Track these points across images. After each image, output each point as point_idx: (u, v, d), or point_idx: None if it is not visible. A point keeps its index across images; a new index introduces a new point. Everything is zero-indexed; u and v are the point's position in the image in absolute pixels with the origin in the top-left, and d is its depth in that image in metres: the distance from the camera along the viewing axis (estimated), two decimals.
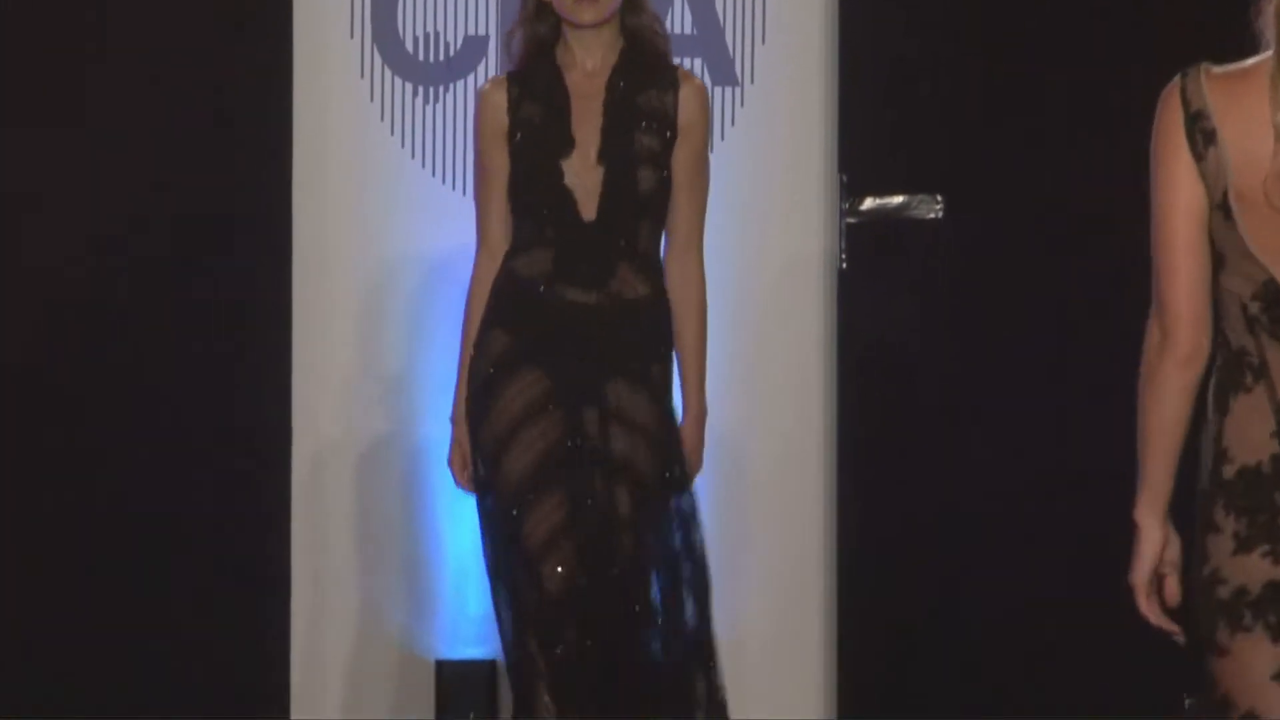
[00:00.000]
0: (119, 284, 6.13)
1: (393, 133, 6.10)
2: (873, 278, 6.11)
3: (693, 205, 4.16)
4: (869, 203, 6.08)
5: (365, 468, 6.45)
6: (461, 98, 5.81)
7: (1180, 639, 2.66)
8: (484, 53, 5.89)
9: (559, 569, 4.01)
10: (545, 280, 4.05)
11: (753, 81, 6.07)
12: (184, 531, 6.27)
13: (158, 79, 6.05)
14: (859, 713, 6.22)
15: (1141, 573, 2.64)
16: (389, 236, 6.18)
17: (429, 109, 6.03)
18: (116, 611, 6.20)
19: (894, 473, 6.19)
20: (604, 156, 4.01)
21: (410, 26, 6.09)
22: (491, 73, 5.53)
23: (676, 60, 4.44)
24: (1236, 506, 2.55)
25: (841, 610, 6.22)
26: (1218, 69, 2.65)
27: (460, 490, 4.32)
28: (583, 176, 4.02)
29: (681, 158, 4.09)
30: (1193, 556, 2.63)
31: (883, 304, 6.13)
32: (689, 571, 4.16)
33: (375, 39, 6.11)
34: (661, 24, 4.33)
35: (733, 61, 5.98)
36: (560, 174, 4.01)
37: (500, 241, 4.16)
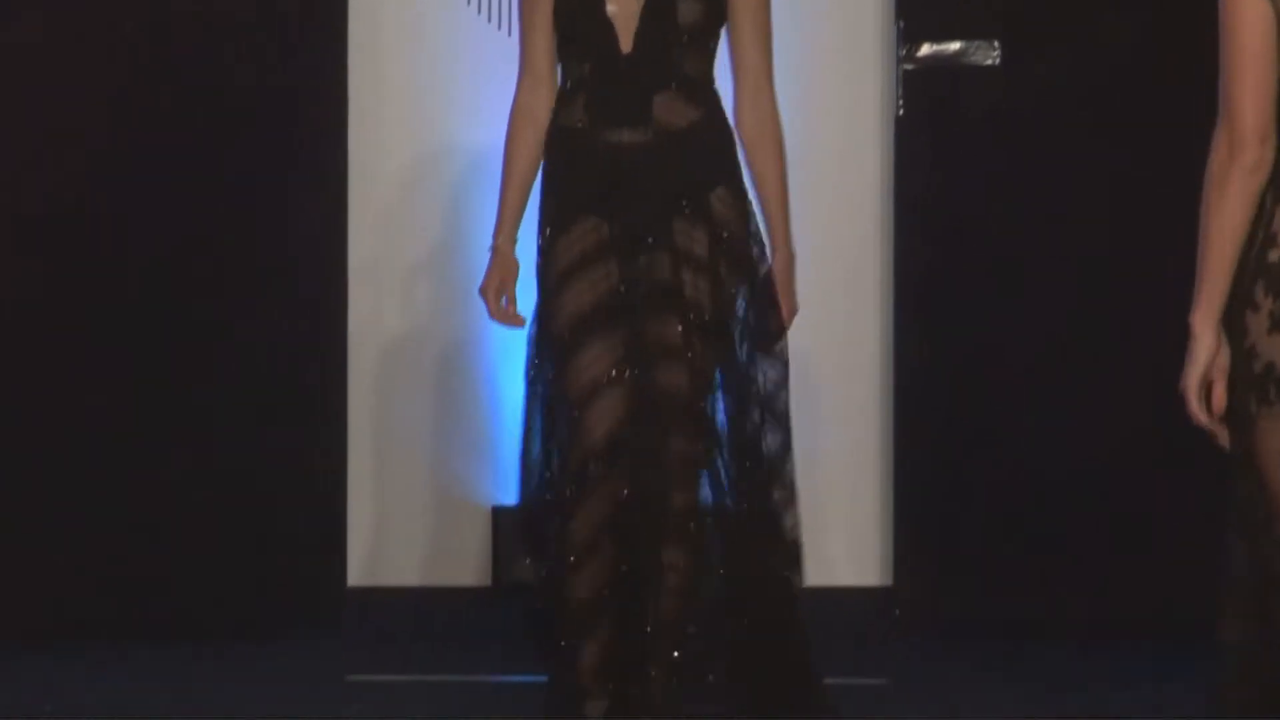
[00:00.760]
0: (175, 152, 6.18)
1: None
2: (929, 124, 6.11)
3: (757, 43, 3.97)
4: (926, 49, 6.06)
5: (421, 317, 6.49)
6: None
7: (1225, 443, 2.74)
8: None
9: (603, 417, 3.86)
10: (587, 126, 3.92)
11: None
12: (239, 384, 6.32)
13: None
14: (915, 578, 6.27)
15: (1194, 377, 2.72)
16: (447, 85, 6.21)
17: None
18: (168, 463, 6.27)
19: (950, 316, 6.21)
20: None
21: None
22: None
23: None
24: (1276, 289, 2.66)
25: (898, 470, 6.29)
26: None
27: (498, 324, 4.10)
28: (623, 6, 3.86)
29: None
30: (1232, 329, 2.72)
31: (939, 150, 6.13)
32: (765, 418, 3.93)
33: None
34: None
35: None
36: (602, 3, 3.87)
37: (541, 71, 3.98)
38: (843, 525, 6.33)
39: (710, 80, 3.98)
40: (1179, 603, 5.62)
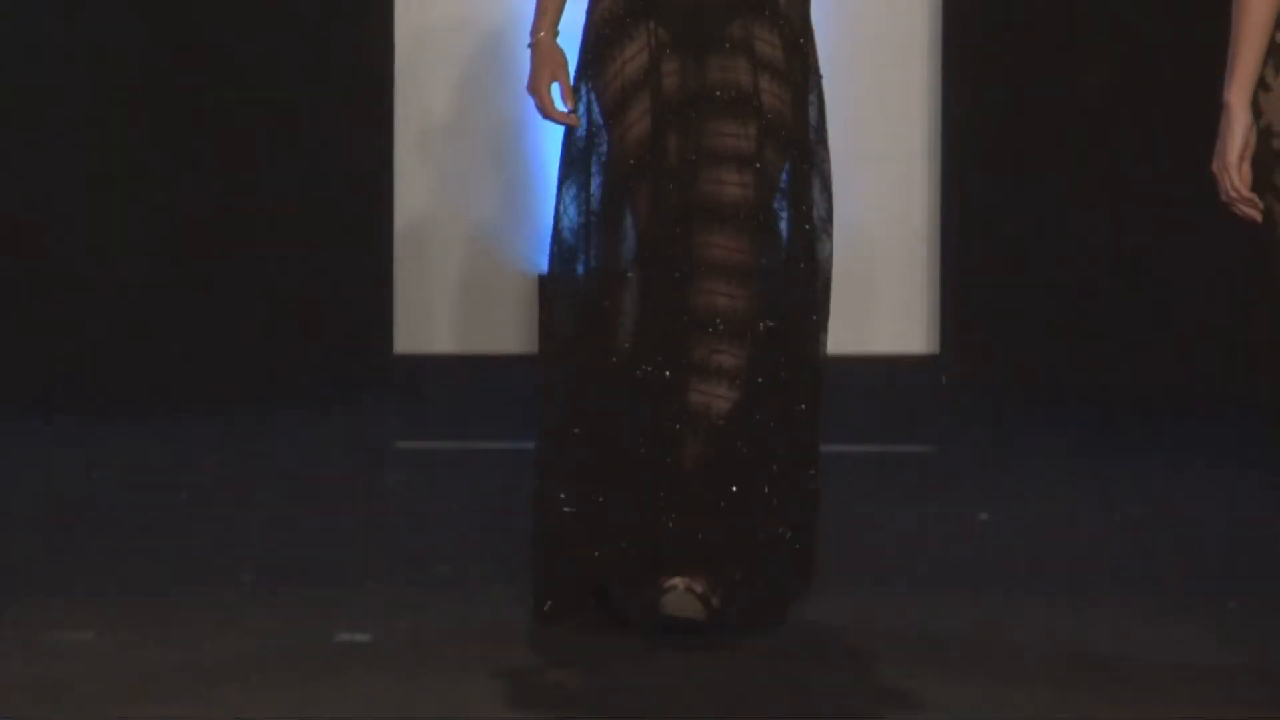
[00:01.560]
0: None
1: None
2: None
3: None
4: None
5: (469, 86, 6.41)
6: None
7: (1257, 215, 2.83)
8: None
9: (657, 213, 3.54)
10: None
11: None
12: (289, 156, 6.31)
13: None
14: (963, 346, 6.26)
15: (1233, 150, 2.79)
16: None
17: None
18: (218, 235, 6.30)
19: (1001, 75, 6.14)
20: None
21: None
22: None
23: None
24: None
25: (945, 238, 6.24)
26: None
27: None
28: None
29: None
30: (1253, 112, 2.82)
31: None
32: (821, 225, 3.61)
33: None
34: None
35: None
36: None
37: None
38: (891, 293, 6.29)
39: None
40: (1210, 373, 5.69)
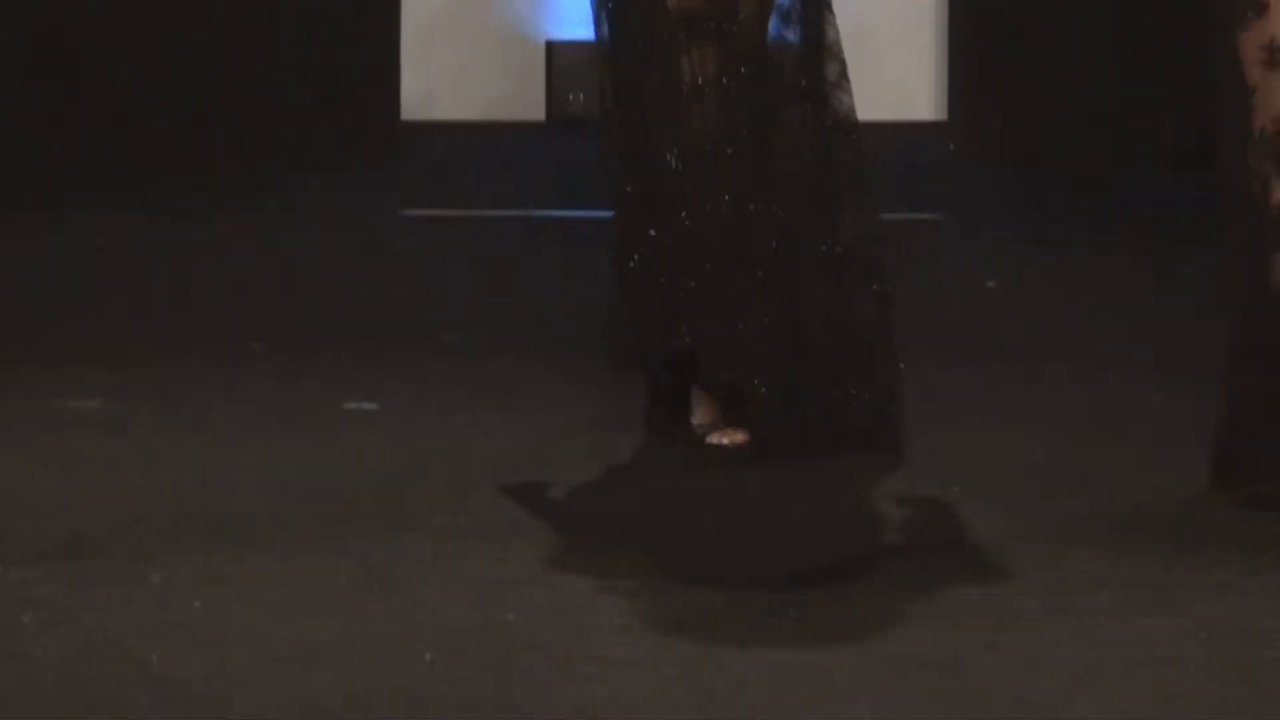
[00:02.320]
0: None
1: None
2: None
3: None
4: None
5: None
6: None
7: None
8: None
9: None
10: None
11: None
12: None
13: None
14: (969, 112, 6.22)
15: None
16: None
17: None
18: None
19: None
20: None
21: None
22: None
23: None
24: None
25: (953, 3, 6.17)
26: None
27: None
28: None
29: None
30: None
31: None
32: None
33: None
34: None
35: None
36: None
37: None
38: (897, 60, 6.22)
39: None
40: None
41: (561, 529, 2.96)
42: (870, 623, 2.49)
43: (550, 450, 3.38)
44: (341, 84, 6.29)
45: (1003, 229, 5.48)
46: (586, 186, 4.63)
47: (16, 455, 3.23)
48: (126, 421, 3.47)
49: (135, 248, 5.18)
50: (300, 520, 2.92)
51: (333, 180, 5.97)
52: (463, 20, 6.51)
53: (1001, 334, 4.28)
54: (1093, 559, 2.73)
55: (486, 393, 3.68)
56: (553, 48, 6.44)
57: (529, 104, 6.51)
